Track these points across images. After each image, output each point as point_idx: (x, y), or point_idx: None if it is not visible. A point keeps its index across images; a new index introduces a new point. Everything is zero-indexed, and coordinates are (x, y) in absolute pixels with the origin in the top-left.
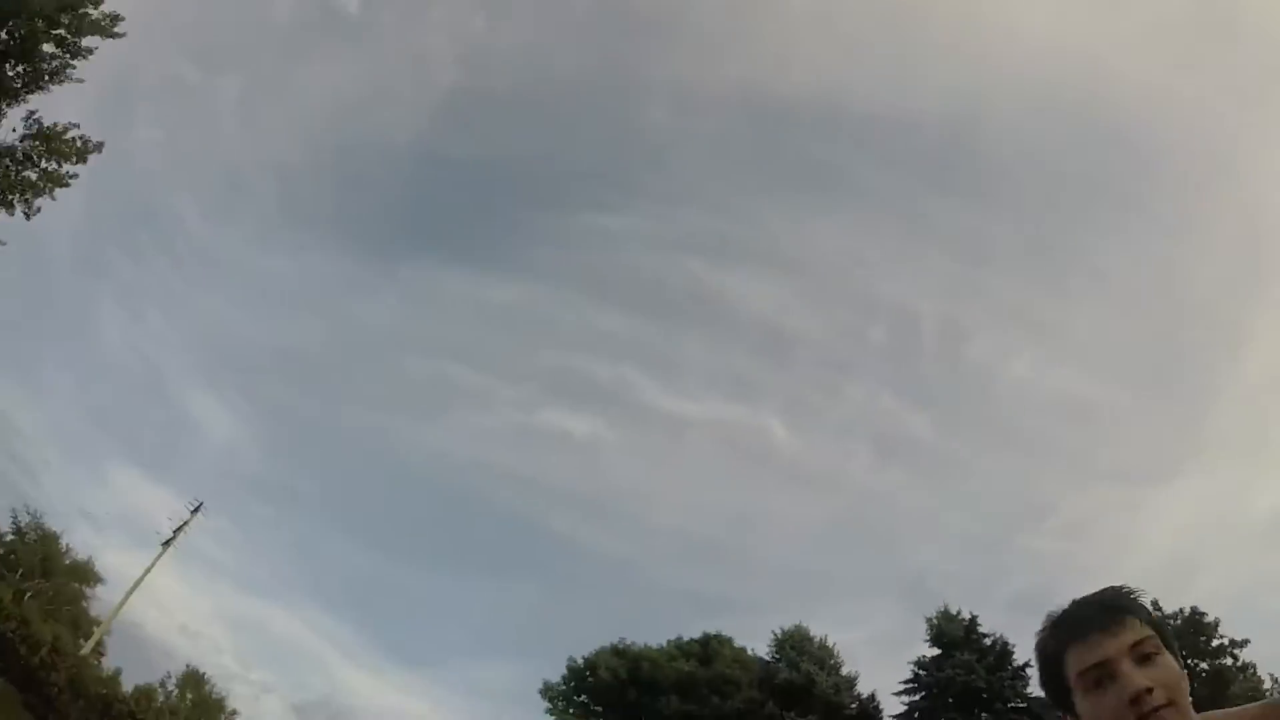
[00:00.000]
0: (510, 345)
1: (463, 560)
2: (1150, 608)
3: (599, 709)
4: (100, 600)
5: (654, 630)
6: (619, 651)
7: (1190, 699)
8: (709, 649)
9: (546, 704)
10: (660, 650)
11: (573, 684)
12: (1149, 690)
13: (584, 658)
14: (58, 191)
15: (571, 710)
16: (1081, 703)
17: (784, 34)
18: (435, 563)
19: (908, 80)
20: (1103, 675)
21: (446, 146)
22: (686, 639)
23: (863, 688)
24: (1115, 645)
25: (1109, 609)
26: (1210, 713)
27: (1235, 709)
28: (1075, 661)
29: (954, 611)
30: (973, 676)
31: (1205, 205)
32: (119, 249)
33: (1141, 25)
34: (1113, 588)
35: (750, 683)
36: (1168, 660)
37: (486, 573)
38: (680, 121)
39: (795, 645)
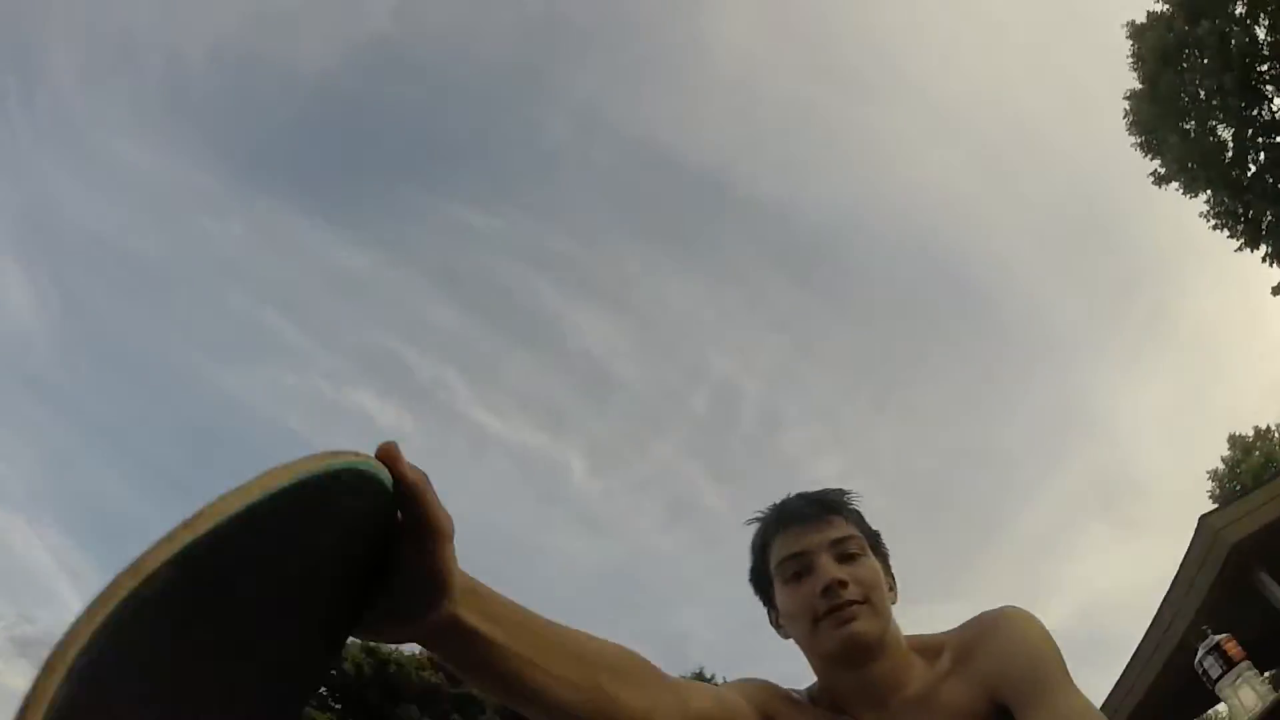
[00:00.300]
0: (341, 313)
1: None
2: (863, 515)
3: (338, 705)
4: None
5: None
6: (370, 649)
7: (892, 611)
8: None
9: None
10: (412, 657)
11: None
12: (843, 584)
13: None
14: None
15: (312, 701)
16: (780, 594)
17: (705, 96)
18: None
19: (799, 175)
20: (801, 567)
21: (349, 93)
22: None
23: None
24: (817, 538)
25: (818, 504)
26: (919, 635)
27: (946, 631)
28: (777, 551)
29: (708, 675)
30: None
31: (1028, 377)
32: None
33: (1026, 212)
34: (829, 488)
35: (495, 707)
36: (871, 563)
37: None
38: (579, 141)
39: None
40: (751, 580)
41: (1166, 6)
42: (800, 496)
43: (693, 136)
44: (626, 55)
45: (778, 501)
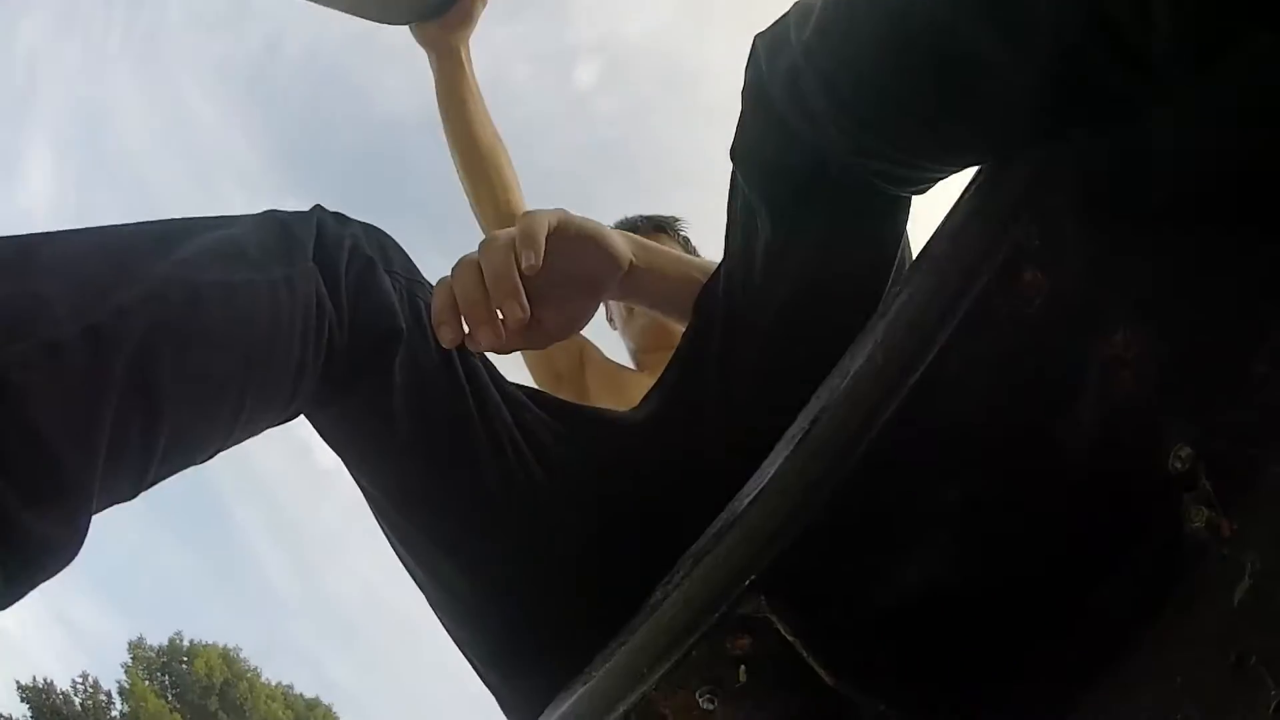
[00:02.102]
0: None
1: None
2: (690, 240)
3: (176, 702)
4: None
5: (276, 665)
6: (229, 659)
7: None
8: (313, 713)
9: (129, 659)
10: (267, 686)
11: (165, 659)
12: None
13: (192, 641)
14: None
15: (150, 684)
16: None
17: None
18: None
19: None
20: None
21: (409, 144)
22: (297, 693)
23: None
24: None
25: (651, 220)
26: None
27: None
28: None
29: None
30: None
31: None
32: None
33: None
34: (671, 217)
35: None
36: None
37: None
38: None
39: None
40: None
41: None
42: (639, 215)
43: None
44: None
45: (621, 218)
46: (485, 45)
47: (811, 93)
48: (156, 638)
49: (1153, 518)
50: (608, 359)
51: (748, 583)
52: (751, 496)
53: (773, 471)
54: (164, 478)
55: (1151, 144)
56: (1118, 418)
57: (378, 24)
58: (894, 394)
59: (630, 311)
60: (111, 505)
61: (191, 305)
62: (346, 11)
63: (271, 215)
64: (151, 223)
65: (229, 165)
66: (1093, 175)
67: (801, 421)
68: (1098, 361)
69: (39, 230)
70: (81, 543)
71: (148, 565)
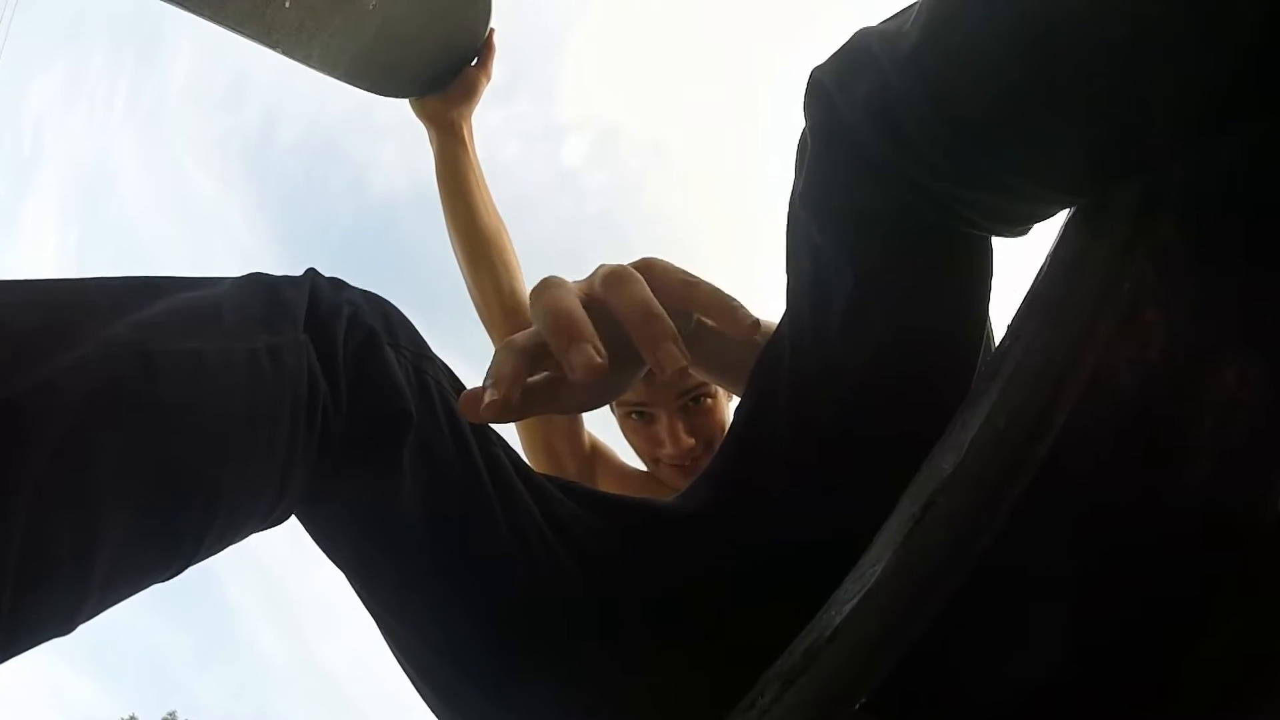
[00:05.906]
0: None
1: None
2: None
3: None
4: None
5: None
6: None
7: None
8: None
9: None
10: None
11: None
12: (691, 448)
13: None
14: None
15: None
16: (618, 419)
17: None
18: None
19: None
20: (643, 413)
21: (401, 220)
22: None
23: None
24: (662, 391)
25: None
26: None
27: None
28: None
29: None
30: None
31: None
32: None
33: None
34: None
35: None
36: (719, 403)
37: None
38: None
39: None
40: None
41: None
42: None
43: None
44: (646, 240)
45: None
46: (475, 125)
47: (908, 110)
48: (150, 717)
49: (1264, 571)
50: (624, 462)
51: (857, 706)
52: (853, 603)
53: (878, 572)
54: (112, 604)
55: (1258, 154)
56: (1229, 466)
57: (377, 97)
58: (1023, 464)
59: (655, 463)
60: (36, 645)
61: (145, 378)
62: (345, 81)
63: (257, 277)
64: (111, 278)
65: (225, 236)
66: (1199, 192)
67: (909, 507)
68: (1213, 404)
69: None
70: None
71: (141, 642)
